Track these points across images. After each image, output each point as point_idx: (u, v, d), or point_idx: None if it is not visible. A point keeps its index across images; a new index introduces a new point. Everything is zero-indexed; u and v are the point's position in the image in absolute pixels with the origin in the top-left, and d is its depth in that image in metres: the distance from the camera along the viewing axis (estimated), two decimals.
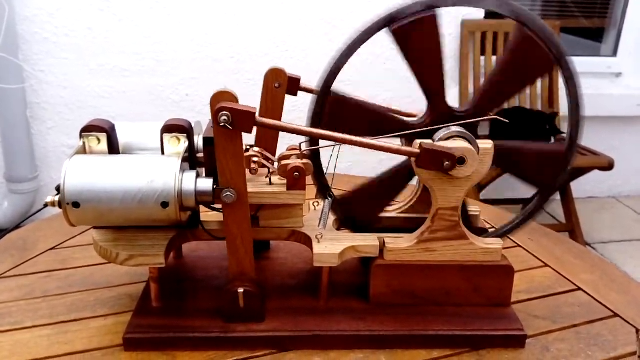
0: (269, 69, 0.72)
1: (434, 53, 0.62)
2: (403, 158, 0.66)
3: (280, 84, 0.72)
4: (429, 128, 0.64)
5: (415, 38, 0.61)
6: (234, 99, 0.56)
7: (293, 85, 0.73)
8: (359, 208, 0.69)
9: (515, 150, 0.67)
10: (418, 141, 0.61)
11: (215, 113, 0.55)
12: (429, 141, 0.62)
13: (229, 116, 0.55)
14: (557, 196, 2.10)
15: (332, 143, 0.62)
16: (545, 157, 0.67)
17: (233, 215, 0.61)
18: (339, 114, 0.64)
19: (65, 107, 1.92)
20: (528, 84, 0.65)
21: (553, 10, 2.51)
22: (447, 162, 0.60)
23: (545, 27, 0.61)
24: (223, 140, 0.57)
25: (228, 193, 0.59)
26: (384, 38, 0.62)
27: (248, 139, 0.66)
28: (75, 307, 0.70)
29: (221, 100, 0.56)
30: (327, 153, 0.66)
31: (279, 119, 0.73)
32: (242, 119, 0.56)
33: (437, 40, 0.62)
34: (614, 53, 2.49)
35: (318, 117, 0.63)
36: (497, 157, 0.62)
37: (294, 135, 0.60)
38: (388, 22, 0.61)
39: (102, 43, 1.88)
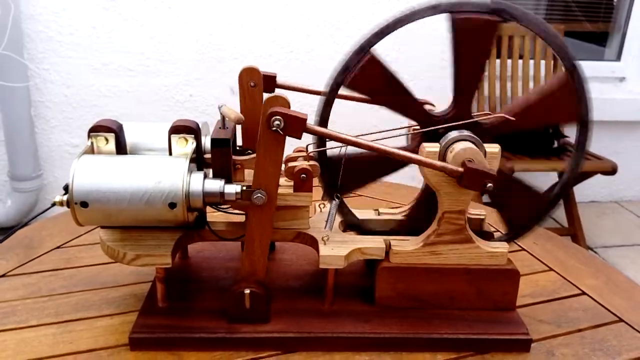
0: (242, 68, 0.71)
1: (390, 83, 0.63)
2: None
3: (256, 83, 0.72)
4: (432, 128, 0.64)
5: (368, 82, 0.62)
6: (287, 104, 0.57)
7: (269, 83, 0.73)
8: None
9: (527, 105, 0.66)
10: (425, 148, 0.61)
11: (269, 117, 0.56)
12: (435, 144, 0.62)
13: (281, 121, 0.56)
14: (560, 200, 2.10)
15: (339, 144, 0.62)
16: (554, 93, 0.66)
17: (259, 216, 0.61)
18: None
19: (69, 106, 1.92)
20: (486, 56, 0.65)
21: (557, 14, 2.51)
22: (490, 184, 0.60)
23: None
24: (269, 143, 0.58)
25: (259, 195, 0.59)
26: (388, 40, 0.62)
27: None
28: (80, 306, 0.70)
29: (274, 105, 0.57)
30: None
31: (259, 118, 0.73)
32: (294, 125, 0.56)
33: (385, 72, 0.62)
34: (618, 57, 2.49)
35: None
36: (515, 123, 0.64)
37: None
38: (340, 82, 0.62)
39: (107, 42, 1.88)
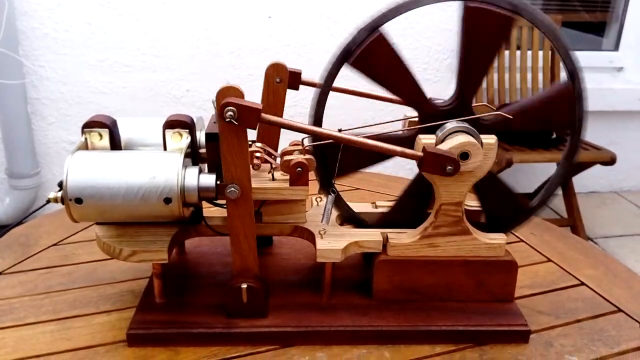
0: (269, 64, 0.71)
1: (397, 66, 0.62)
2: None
3: (282, 79, 0.72)
4: (427, 125, 0.64)
5: (374, 62, 0.61)
6: (240, 95, 0.56)
7: (294, 80, 0.73)
8: (400, 220, 0.69)
9: (524, 109, 0.66)
10: (421, 140, 0.61)
11: (221, 108, 0.55)
12: (431, 136, 0.62)
13: (234, 112, 0.55)
14: (559, 191, 2.10)
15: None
16: (553, 99, 0.66)
17: (237, 211, 0.60)
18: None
19: (66, 102, 1.92)
20: (497, 51, 0.64)
21: (555, 4, 2.50)
22: (449, 167, 0.60)
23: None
24: (228, 135, 0.57)
25: (232, 189, 0.59)
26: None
27: (250, 134, 0.66)
28: (78, 303, 0.70)
29: (227, 96, 0.55)
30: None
31: (281, 114, 0.73)
32: (248, 115, 0.55)
33: (393, 54, 0.61)
34: (616, 47, 2.49)
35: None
36: (512, 122, 0.63)
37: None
38: (344, 58, 0.61)
39: (102, 38, 1.87)
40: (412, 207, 0.69)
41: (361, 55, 0.60)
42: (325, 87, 0.62)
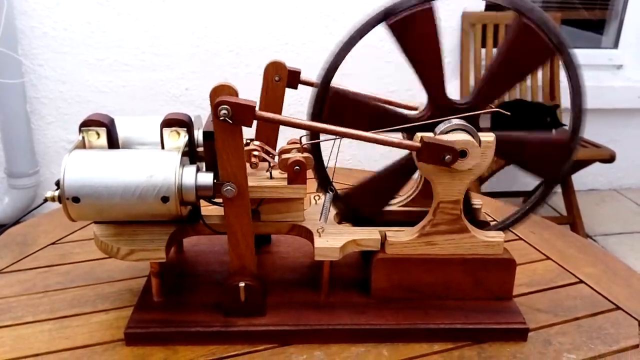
0: (269, 62, 0.71)
1: (432, 46, 0.62)
2: (405, 151, 0.65)
3: (281, 78, 0.72)
4: (430, 121, 0.64)
5: (413, 31, 0.61)
6: (234, 93, 0.56)
7: (293, 78, 0.73)
8: (362, 203, 0.69)
9: (519, 141, 0.66)
10: (419, 135, 0.61)
11: (215, 107, 0.55)
12: (430, 134, 0.62)
13: (228, 110, 0.55)
14: (559, 188, 2.10)
15: (333, 136, 0.62)
16: (549, 146, 0.67)
17: (234, 209, 0.60)
18: (339, 109, 0.63)
19: (65, 101, 1.92)
20: (527, 74, 0.65)
21: (554, 1, 2.49)
22: (448, 156, 0.60)
23: (544, 16, 0.61)
24: (223, 134, 0.57)
25: (228, 187, 0.59)
26: (382, 31, 0.62)
27: (248, 132, 0.66)
28: (76, 302, 0.70)
29: (221, 94, 0.55)
30: (328, 147, 0.66)
31: (280, 112, 0.72)
32: (242, 113, 0.55)
33: (434, 33, 0.61)
34: (615, 45, 2.48)
35: (318, 112, 0.63)
36: (500, 148, 0.62)
37: (295, 129, 0.60)
38: (385, 16, 0.60)
39: (101, 37, 1.87)
40: (383, 190, 0.69)
41: (405, 20, 0.60)
42: (354, 39, 0.61)
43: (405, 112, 0.66)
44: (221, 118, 0.55)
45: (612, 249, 2.10)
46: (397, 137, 0.62)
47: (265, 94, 0.72)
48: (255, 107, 0.56)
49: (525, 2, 0.60)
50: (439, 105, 0.64)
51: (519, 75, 0.65)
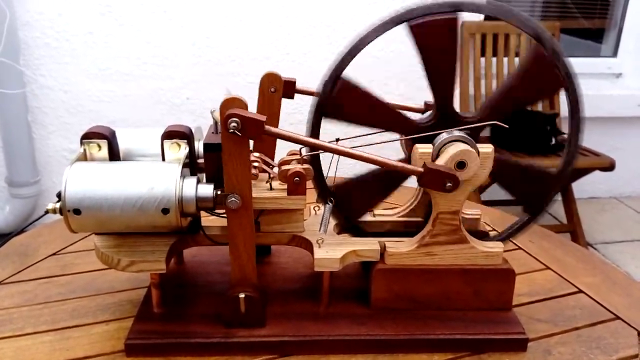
0: (264, 73, 0.72)
1: (450, 56, 0.62)
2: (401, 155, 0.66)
3: (276, 89, 0.72)
4: (432, 133, 0.64)
5: (434, 38, 0.61)
6: (245, 106, 0.56)
7: (289, 89, 0.74)
8: (353, 198, 0.68)
9: (509, 164, 0.67)
10: (418, 151, 0.61)
11: (225, 119, 0.55)
12: (428, 145, 0.62)
13: (238, 123, 0.55)
14: (558, 197, 2.10)
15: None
16: (535, 175, 0.68)
17: (237, 220, 0.61)
18: (346, 99, 0.63)
19: (66, 111, 1.93)
20: (537, 101, 0.66)
21: (553, 11, 2.51)
22: (449, 184, 0.60)
23: (559, 48, 0.62)
24: (231, 146, 0.57)
25: (233, 199, 0.59)
26: (388, 39, 0.62)
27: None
28: (76, 312, 0.70)
29: (231, 107, 0.56)
30: (328, 157, 0.66)
31: (277, 122, 0.73)
32: (252, 127, 0.56)
33: (454, 43, 0.61)
34: (614, 54, 2.50)
35: (325, 99, 0.62)
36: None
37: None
38: (408, 17, 0.60)
39: (103, 47, 1.88)
40: (372, 191, 0.69)
41: (429, 25, 0.60)
42: (373, 34, 0.62)
43: (410, 115, 0.67)
44: (231, 130, 0.56)
45: (612, 257, 2.10)
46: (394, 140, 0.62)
47: (262, 105, 0.73)
48: (264, 121, 0.56)
49: (547, 33, 0.61)
50: (444, 115, 0.64)
51: (529, 101, 0.66)
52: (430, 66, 0.63)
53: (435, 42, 0.61)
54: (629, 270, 2.00)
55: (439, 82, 0.63)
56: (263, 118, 0.56)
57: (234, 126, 0.55)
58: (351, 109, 0.63)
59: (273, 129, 0.58)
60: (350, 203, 0.68)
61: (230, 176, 0.59)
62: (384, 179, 0.67)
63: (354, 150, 0.60)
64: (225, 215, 0.62)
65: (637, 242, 2.23)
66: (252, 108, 0.59)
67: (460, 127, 0.63)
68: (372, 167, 0.67)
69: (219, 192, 0.60)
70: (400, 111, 0.65)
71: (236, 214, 0.60)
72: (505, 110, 0.65)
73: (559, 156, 1.98)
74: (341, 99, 0.63)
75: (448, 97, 0.64)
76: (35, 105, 1.90)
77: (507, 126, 0.62)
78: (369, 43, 0.61)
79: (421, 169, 0.61)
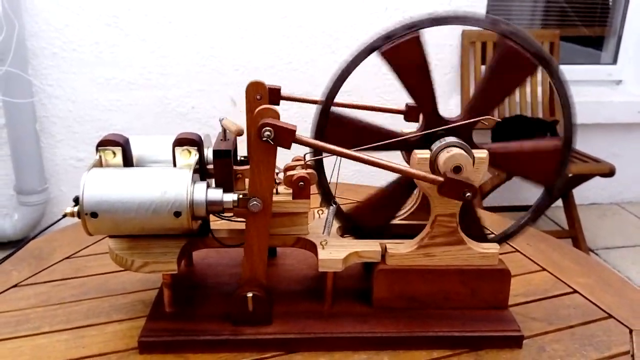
0: (249, 82, 0.75)
1: (421, 71, 0.66)
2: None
3: (262, 96, 0.75)
4: (425, 132, 0.67)
5: (402, 58, 0.65)
6: (277, 116, 0.59)
7: (274, 96, 0.76)
8: (367, 219, 0.72)
9: (514, 151, 0.70)
10: (416, 156, 0.64)
11: (259, 128, 0.59)
12: (426, 151, 0.65)
13: (272, 132, 0.59)
14: (560, 203, 2.12)
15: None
16: (541, 153, 0.70)
17: (256, 223, 0.64)
18: (340, 130, 0.67)
19: (74, 120, 1.96)
20: (513, 89, 0.69)
21: (553, 19, 2.53)
22: (468, 193, 0.63)
23: (527, 36, 0.65)
24: (261, 153, 0.61)
25: (255, 202, 0.62)
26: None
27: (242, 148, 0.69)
28: (90, 312, 0.73)
29: (265, 116, 0.59)
30: (331, 163, 0.69)
31: None
32: (284, 136, 0.59)
33: (422, 59, 0.65)
34: (614, 61, 2.52)
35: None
36: (497, 160, 0.66)
37: (300, 146, 0.63)
38: (377, 45, 0.64)
39: (110, 57, 1.92)
40: (388, 205, 0.72)
41: (394, 49, 0.64)
42: (352, 65, 0.65)
43: (400, 130, 0.70)
44: (264, 139, 0.59)
45: (614, 262, 2.11)
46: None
47: (250, 112, 0.75)
48: (295, 130, 0.59)
49: (509, 26, 0.64)
50: (432, 121, 0.67)
51: (505, 91, 0.69)
52: (410, 83, 0.66)
53: (407, 60, 0.65)
54: (630, 276, 2.02)
55: (422, 96, 0.67)
56: (294, 127, 0.59)
57: (267, 135, 0.59)
58: (344, 141, 0.66)
59: (304, 138, 0.62)
60: (369, 223, 0.72)
61: (255, 181, 0.62)
62: (396, 193, 0.71)
63: (381, 160, 0.63)
64: (230, 218, 0.65)
65: (639, 247, 2.25)
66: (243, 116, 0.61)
67: (449, 126, 0.66)
68: (374, 186, 0.70)
69: (241, 196, 0.63)
70: (392, 129, 0.69)
71: (256, 217, 0.63)
72: (488, 106, 0.68)
73: None
74: (335, 132, 0.66)
75: (433, 105, 0.67)
76: (44, 115, 1.94)
77: (499, 119, 0.65)
78: (345, 79, 0.65)
79: (441, 179, 0.63)
